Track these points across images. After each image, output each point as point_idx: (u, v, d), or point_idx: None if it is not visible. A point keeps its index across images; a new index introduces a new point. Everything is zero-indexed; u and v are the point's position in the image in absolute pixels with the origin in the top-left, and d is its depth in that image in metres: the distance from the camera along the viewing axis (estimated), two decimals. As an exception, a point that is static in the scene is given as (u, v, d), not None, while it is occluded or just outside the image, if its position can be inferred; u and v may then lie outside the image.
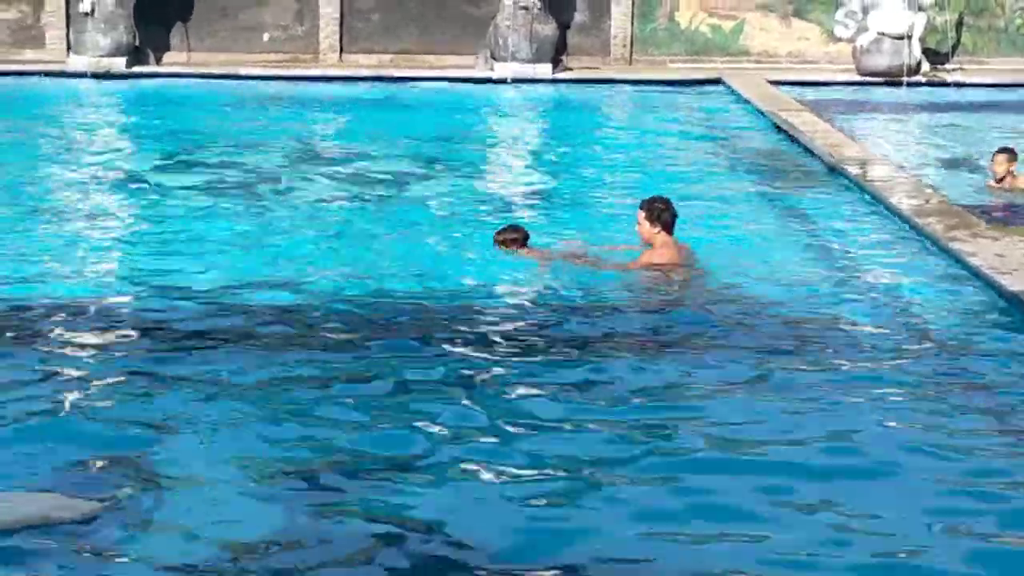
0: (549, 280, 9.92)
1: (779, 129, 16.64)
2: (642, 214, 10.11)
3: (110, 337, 8.54)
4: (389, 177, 14.02)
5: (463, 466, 6.52)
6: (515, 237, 10.44)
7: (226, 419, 7.06)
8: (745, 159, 15.34)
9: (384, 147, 15.75)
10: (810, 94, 19.70)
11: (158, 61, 21.26)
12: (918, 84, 20.89)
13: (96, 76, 20.31)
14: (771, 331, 8.77)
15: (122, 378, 7.68)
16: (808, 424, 7.12)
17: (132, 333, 8.61)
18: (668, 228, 10.03)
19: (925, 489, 6.37)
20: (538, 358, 8.23)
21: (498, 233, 10.52)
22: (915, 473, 6.53)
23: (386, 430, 6.99)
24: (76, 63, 20.57)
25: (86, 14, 20.51)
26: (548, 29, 20.95)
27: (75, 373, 7.79)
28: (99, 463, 6.47)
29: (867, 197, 12.64)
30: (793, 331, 8.79)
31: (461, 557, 5.67)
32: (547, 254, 10.39)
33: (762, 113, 17.77)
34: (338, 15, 21.65)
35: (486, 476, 6.42)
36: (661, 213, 10.01)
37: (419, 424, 7.03)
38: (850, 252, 10.94)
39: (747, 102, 18.79)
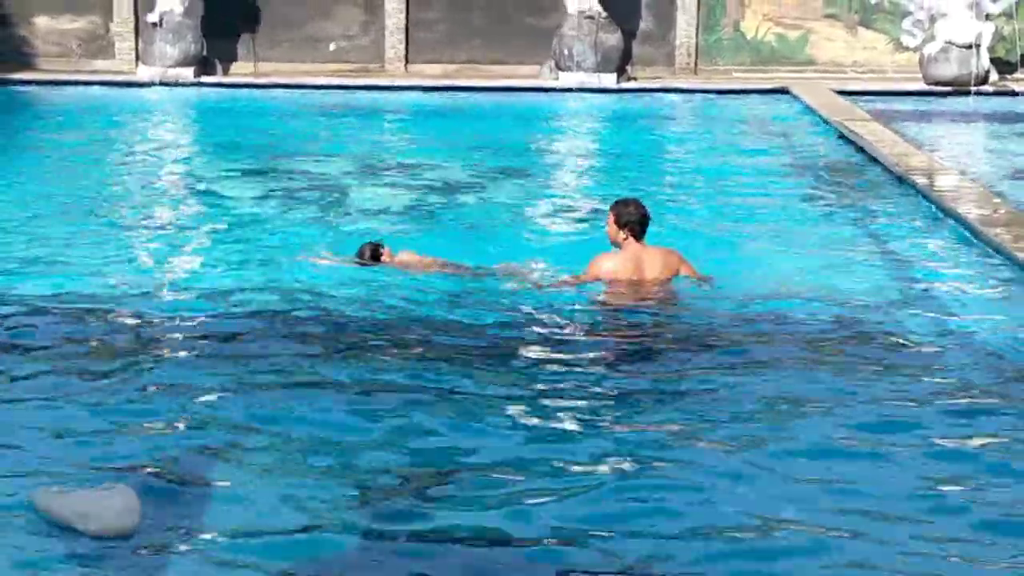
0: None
1: (845, 139, 16.56)
2: (611, 216, 9.67)
3: (168, 342, 8.62)
4: (454, 187, 14.07)
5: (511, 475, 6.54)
6: (366, 255, 10.19)
7: (281, 424, 7.12)
8: (811, 169, 15.28)
9: (449, 157, 15.80)
10: (876, 104, 19.59)
11: (225, 71, 21.44)
12: (985, 93, 20.73)
13: (164, 86, 20.50)
14: (833, 343, 8.72)
15: (181, 383, 7.75)
16: (870, 437, 7.08)
17: (192, 339, 8.67)
18: (635, 233, 9.57)
19: (999, 504, 6.31)
20: (598, 367, 8.24)
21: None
22: (986, 490, 6.48)
23: (436, 436, 7.02)
24: (144, 73, 20.78)
25: (154, 25, 20.72)
26: (613, 39, 20.95)
27: (136, 377, 7.86)
28: (153, 463, 6.55)
29: (934, 207, 12.56)
30: (857, 343, 8.72)
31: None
32: (422, 263, 10.24)
33: (828, 123, 17.69)
34: (404, 25, 21.75)
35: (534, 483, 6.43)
36: (628, 217, 9.56)
37: (475, 431, 7.06)
38: (916, 262, 10.87)
39: (813, 112, 18.71)
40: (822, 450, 6.87)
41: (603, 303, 9.48)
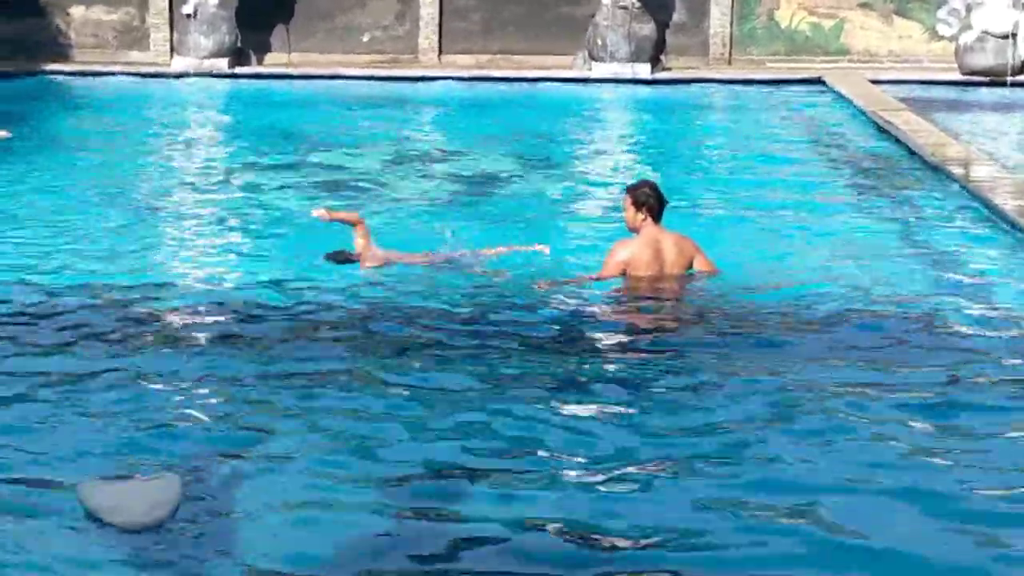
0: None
1: (880, 129, 16.49)
2: (627, 199, 9.55)
3: (207, 334, 8.66)
4: (487, 177, 14.08)
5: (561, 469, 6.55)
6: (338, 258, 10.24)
7: (327, 418, 7.14)
8: (846, 159, 15.23)
9: (482, 148, 15.80)
10: (912, 93, 19.50)
11: (259, 62, 21.48)
12: (1022, 84, 20.59)
13: (198, 77, 20.56)
14: (869, 333, 8.69)
15: (217, 375, 7.78)
16: (913, 429, 7.05)
17: (230, 329, 8.71)
18: (655, 215, 9.45)
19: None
20: (640, 356, 8.23)
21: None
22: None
23: (486, 431, 7.03)
24: (179, 64, 20.85)
25: (189, 16, 20.78)
26: (647, 29, 20.90)
27: (176, 368, 7.90)
28: (199, 458, 6.58)
29: (970, 197, 12.50)
30: (892, 333, 8.69)
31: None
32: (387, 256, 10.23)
33: (863, 112, 17.62)
34: (437, 16, 21.75)
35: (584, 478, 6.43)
36: (646, 197, 9.44)
37: (524, 424, 7.06)
38: (952, 253, 10.82)
39: (848, 101, 18.64)
40: (870, 438, 6.87)
41: (627, 292, 9.38)
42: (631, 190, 9.61)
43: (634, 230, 9.56)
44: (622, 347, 8.54)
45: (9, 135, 15.44)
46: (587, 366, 8.06)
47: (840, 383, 7.67)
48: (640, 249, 9.44)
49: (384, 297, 9.46)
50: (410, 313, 9.04)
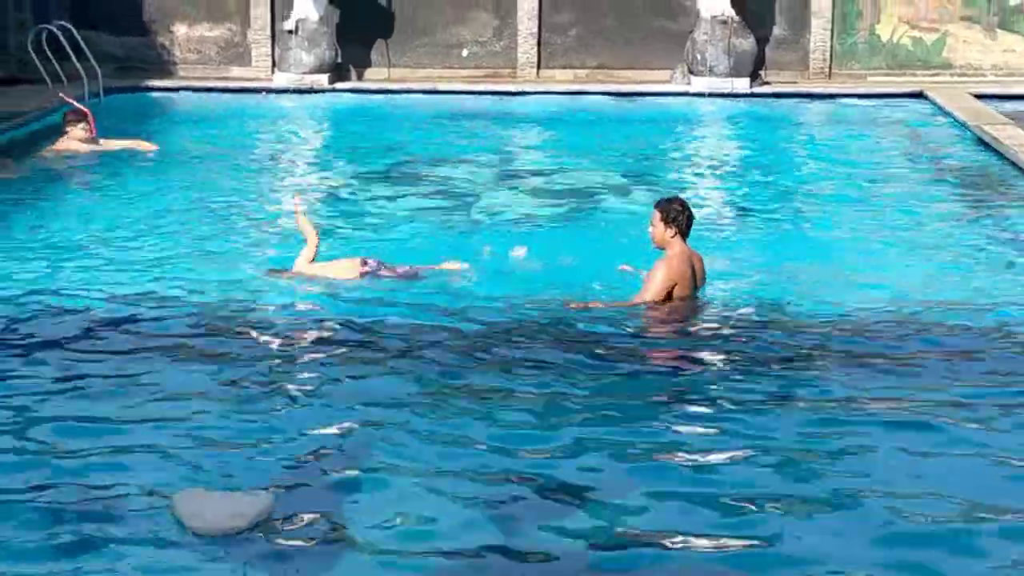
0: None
1: (983, 143, 16.30)
2: (657, 215, 9.41)
3: (304, 343, 8.74)
4: (584, 193, 14.08)
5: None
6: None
7: (430, 425, 7.20)
8: (948, 174, 15.07)
9: (581, 162, 15.81)
10: (1016, 107, 19.23)
11: (359, 77, 21.65)
12: None
13: (299, 93, 20.77)
14: (970, 352, 8.60)
15: (314, 388, 7.86)
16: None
17: (329, 340, 8.78)
18: (684, 233, 9.37)
19: None
20: (734, 370, 8.21)
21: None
22: None
23: (576, 443, 7.05)
24: (280, 80, 21.07)
25: (290, 32, 20.99)
26: (746, 43, 20.82)
27: (270, 382, 8.00)
28: (305, 462, 6.66)
29: (1076, 213, 12.34)
30: (994, 353, 8.59)
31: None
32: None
33: (966, 127, 17.42)
34: (536, 30, 21.80)
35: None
36: (678, 215, 9.32)
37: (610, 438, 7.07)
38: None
39: (950, 116, 18.44)
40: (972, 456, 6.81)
41: (671, 311, 9.25)
42: (660, 205, 9.49)
43: (661, 247, 9.45)
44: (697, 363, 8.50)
45: (155, 148, 15.89)
46: (666, 385, 8.06)
47: (953, 400, 7.60)
48: (683, 267, 9.36)
49: (460, 308, 9.50)
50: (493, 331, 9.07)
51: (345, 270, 10.20)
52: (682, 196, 9.84)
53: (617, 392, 7.82)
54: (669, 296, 9.29)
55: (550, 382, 7.97)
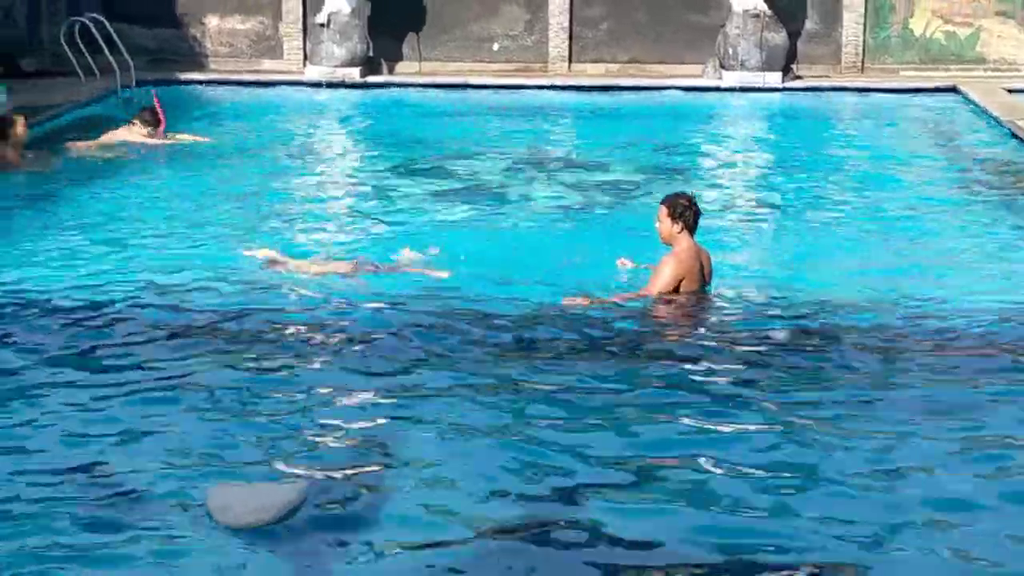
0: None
1: (1017, 138, 16.21)
2: (664, 210, 9.34)
3: (342, 338, 8.75)
4: (617, 186, 14.06)
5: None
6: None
7: (465, 422, 7.20)
8: (981, 169, 14.98)
9: (612, 156, 15.79)
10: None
11: (391, 71, 21.67)
12: None
13: (331, 85, 20.80)
14: (998, 350, 8.55)
15: (343, 383, 7.87)
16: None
17: (367, 335, 8.79)
18: (691, 228, 9.31)
19: None
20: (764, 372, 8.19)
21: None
22: None
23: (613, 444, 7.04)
24: (312, 73, 21.10)
25: (322, 25, 21.02)
26: (778, 37, 20.75)
27: (300, 374, 8.02)
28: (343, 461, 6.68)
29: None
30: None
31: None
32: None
33: (999, 122, 17.33)
34: (567, 24, 21.77)
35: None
36: (684, 211, 9.25)
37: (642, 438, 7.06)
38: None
39: (984, 111, 18.34)
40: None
41: (678, 306, 9.21)
42: (667, 201, 9.43)
43: (668, 242, 9.41)
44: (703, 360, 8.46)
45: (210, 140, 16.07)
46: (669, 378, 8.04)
47: (962, 402, 7.58)
48: (691, 263, 9.31)
49: (484, 300, 9.50)
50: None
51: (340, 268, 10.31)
52: (691, 192, 9.78)
53: (626, 385, 7.82)
54: (676, 291, 9.27)
55: (581, 379, 7.96)
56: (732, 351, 8.41)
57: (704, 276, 9.41)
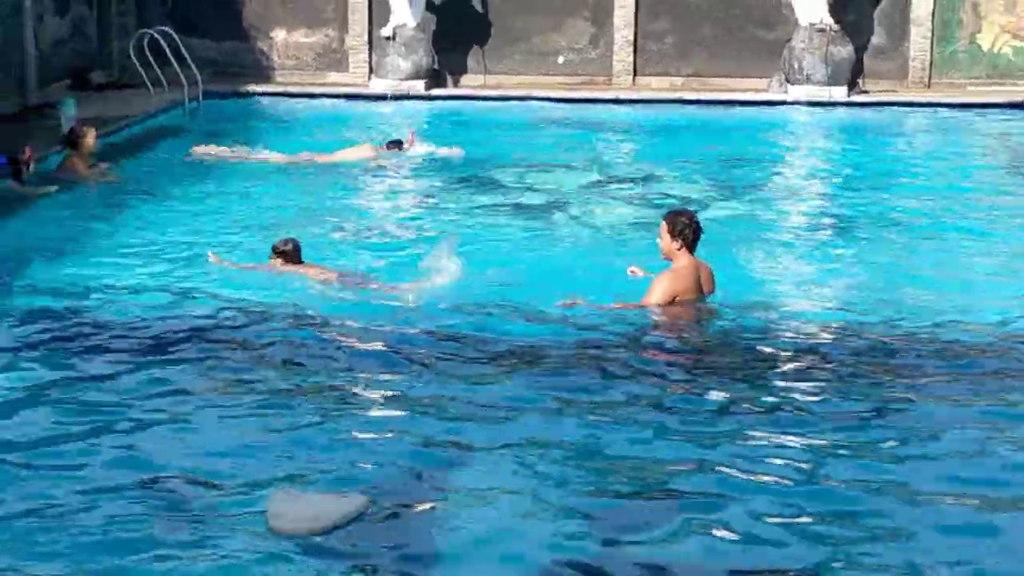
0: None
1: (1086, 155, 16.06)
2: (664, 226, 9.42)
3: (398, 355, 8.79)
4: (681, 200, 14.02)
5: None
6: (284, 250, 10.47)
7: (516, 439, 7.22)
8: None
9: (676, 170, 15.76)
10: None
11: (455, 84, 21.74)
12: None
13: (396, 99, 20.89)
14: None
15: (402, 395, 7.92)
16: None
17: (427, 352, 8.82)
18: (690, 245, 9.35)
19: None
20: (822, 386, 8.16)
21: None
22: None
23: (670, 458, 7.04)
24: (378, 86, 21.21)
25: (388, 38, 21.13)
26: (844, 52, 20.64)
27: (363, 388, 8.08)
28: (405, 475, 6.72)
29: None
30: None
31: None
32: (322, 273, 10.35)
33: (1068, 138, 17.17)
34: (632, 38, 21.77)
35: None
36: (684, 228, 9.31)
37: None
38: None
39: (1052, 127, 18.17)
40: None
41: (673, 320, 9.24)
42: (669, 218, 9.50)
43: (668, 258, 9.47)
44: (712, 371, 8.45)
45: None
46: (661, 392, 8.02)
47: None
48: (687, 281, 9.35)
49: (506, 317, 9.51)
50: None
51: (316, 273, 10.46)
52: (691, 209, 9.93)
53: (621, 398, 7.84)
54: (672, 303, 9.34)
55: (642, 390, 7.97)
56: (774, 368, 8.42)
57: (703, 292, 9.46)
